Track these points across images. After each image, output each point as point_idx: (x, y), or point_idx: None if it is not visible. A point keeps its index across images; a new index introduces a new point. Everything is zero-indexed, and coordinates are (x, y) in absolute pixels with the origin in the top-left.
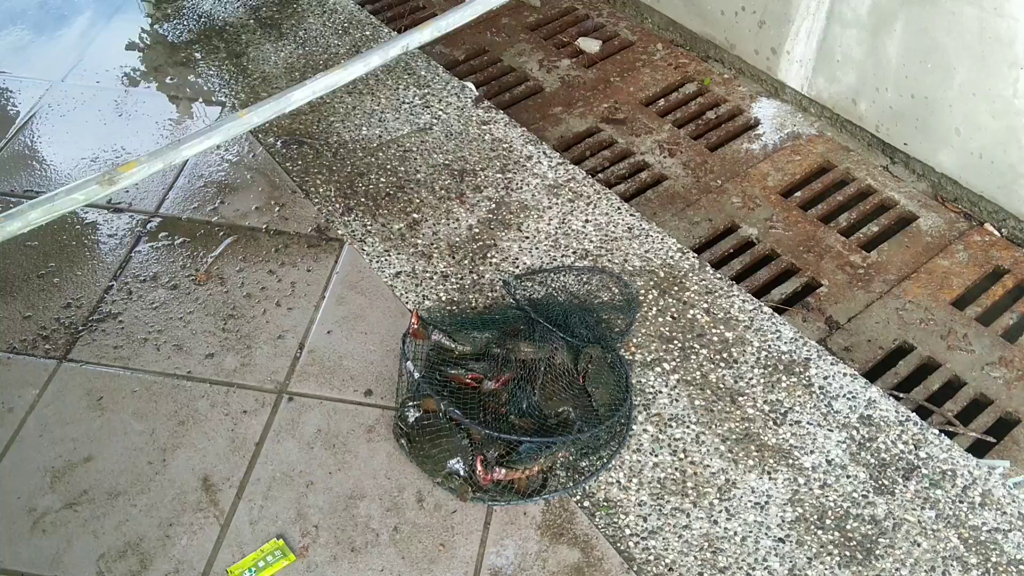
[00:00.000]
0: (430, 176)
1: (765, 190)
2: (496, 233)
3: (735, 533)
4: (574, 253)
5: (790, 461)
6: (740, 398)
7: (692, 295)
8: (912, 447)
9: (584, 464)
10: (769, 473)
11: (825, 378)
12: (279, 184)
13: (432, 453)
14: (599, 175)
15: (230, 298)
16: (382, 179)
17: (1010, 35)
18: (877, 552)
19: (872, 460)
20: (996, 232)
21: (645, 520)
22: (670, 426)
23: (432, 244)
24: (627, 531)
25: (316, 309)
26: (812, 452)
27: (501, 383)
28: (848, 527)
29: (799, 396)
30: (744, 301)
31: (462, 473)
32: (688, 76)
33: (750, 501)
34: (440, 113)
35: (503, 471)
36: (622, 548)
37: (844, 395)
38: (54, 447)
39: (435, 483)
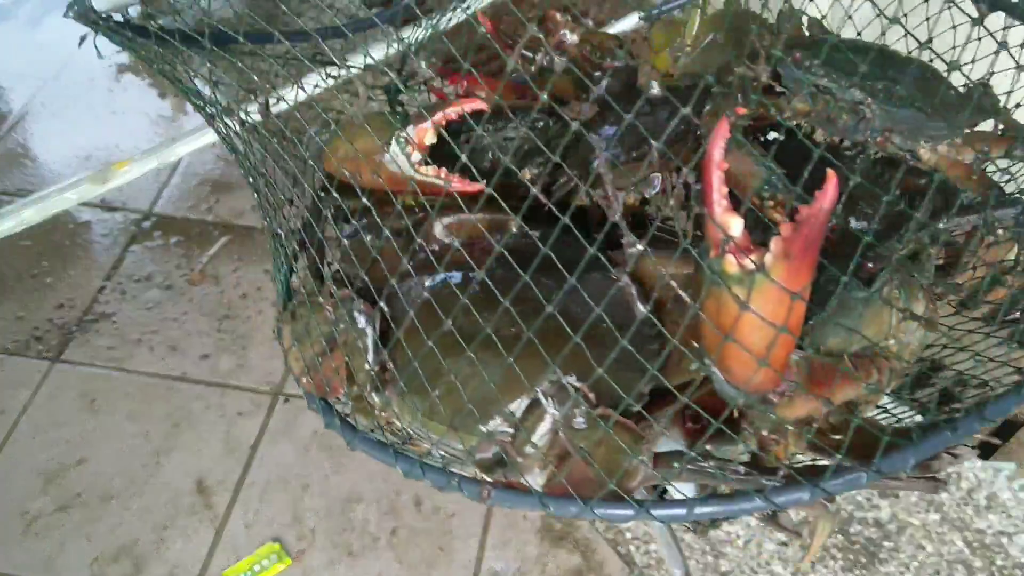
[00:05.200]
0: None
1: None
2: None
3: (738, 536)
4: None
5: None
6: None
7: None
8: None
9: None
10: None
11: None
12: None
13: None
14: None
15: (225, 298)
16: None
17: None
18: (881, 556)
19: None
20: None
21: (646, 523)
22: None
23: None
24: (628, 535)
25: None
26: None
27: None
28: (852, 531)
29: None
30: None
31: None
32: None
33: None
34: None
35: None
36: (623, 552)
37: None
38: (47, 449)
39: None
